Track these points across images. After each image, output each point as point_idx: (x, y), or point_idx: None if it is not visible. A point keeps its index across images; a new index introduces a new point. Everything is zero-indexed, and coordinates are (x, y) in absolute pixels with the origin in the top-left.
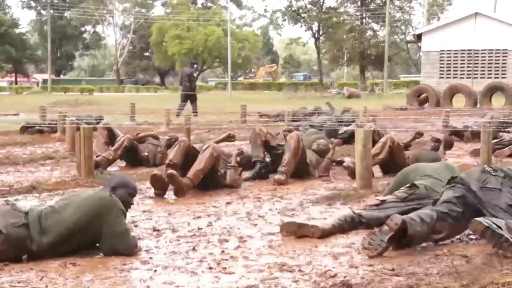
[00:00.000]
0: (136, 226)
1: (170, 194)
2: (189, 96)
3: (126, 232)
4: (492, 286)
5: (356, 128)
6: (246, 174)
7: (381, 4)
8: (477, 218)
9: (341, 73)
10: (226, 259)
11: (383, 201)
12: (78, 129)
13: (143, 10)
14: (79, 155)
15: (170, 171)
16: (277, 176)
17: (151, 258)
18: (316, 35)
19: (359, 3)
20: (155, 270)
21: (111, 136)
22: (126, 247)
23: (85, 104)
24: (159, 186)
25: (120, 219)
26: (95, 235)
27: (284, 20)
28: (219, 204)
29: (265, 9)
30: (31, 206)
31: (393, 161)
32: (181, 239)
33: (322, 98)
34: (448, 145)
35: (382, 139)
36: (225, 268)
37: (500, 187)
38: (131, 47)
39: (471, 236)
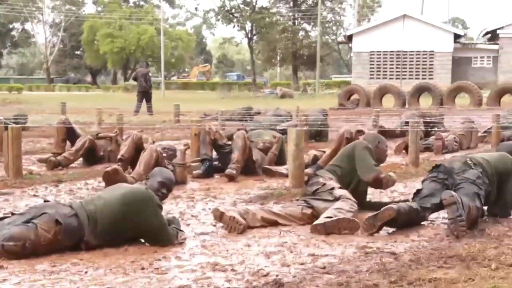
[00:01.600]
0: None
1: None
2: (145, 95)
3: (163, 225)
4: (419, 282)
5: (289, 128)
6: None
7: (312, 5)
8: (451, 191)
9: (274, 73)
10: (159, 259)
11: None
12: (6, 128)
13: (74, 8)
14: (7, 155)
15: (114, 166)
16: (228, 170)
17: (81, 259)
18: (249, 35)
19: (291, 4)
20: (86, 271)
21: (69, 134)
22: (166, 240)
23: (14, 103)
24: (111, 182)
25: (156, 212)
26: (134, 227)
27: (218, 20)
28: None
29: (196, 8)
30: (70, 200)
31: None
32: None
33: (255, 98)
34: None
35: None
36: (157, 268)
37: (474, 179)
38: (61, 45)
39: (399, 234)
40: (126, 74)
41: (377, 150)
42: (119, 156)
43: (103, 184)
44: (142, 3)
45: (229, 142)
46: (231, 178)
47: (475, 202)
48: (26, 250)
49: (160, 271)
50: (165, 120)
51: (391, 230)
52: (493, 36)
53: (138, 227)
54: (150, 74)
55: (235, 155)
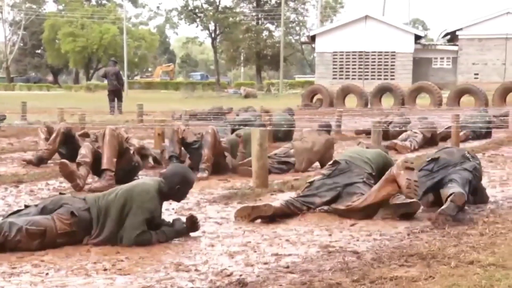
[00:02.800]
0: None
1: None
2: (117, 94)
3: (137, 226)
4: (381, 280)
5: (252, 128)
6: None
7: (276, 5)
8: (461, 191)
9: (238, 73)
10: (121, 260)
11: (311, 182)
12: None
13: (34, 6)
14: None
15: (62, 160)
16: (199, 175)
17: (42, 260)
18: (213, 35)
19: (254, 4)
20: (47, 273)
21: (51, 133)
22: (129, 240)
23: None
24: (68, 175)
25: (140, 211)
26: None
27: (180, 19)
28: None
29: (158, 7)
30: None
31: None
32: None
33: (219, 97)
34: None
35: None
36: (120, 269)
37: (471, 170)
38: (21, 44)
39: (362, 233)
40: (88, 73)
41: None
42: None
43: (64, 184)
44: (104, 1)
45: (198, 140)
46: (204, 180)
47: (465, 188)
48: (45, 236)
49: (123, 272)
50: (128, 120)
51: (353, 228)
52: (452, 37)
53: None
54: (120, 72)
55: (205, 153)
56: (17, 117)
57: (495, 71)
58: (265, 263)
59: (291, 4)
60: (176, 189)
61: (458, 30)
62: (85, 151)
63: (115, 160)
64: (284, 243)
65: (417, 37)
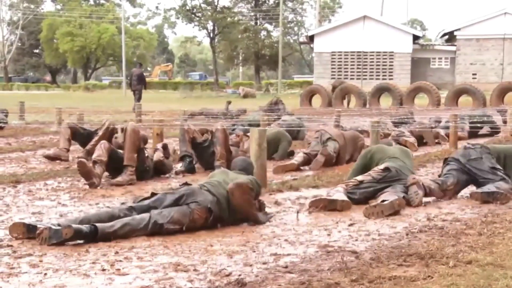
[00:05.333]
0: None
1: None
2: (136, 93)
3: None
4: (379, 280)
5: (251, 128)
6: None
7: (274, 5)
8: (477, 190)
9: (237, 73)
10: (120, 260)
11: (361, 182)
12: None
13: (32, 6)
14: None
15: (80, 159)
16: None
17: (41, 261)
18: (211, 35)
19: (253, 4)
20: (45, 274)
21: (74, 134)
22: (258, 221)
23: None
24: (85, 174)
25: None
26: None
27: (178, 18)
28: (114, 204)
29: (157, 7)
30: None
31: None
32: (73, 241)
33: (218, 97)
34: None
35: None
36: (118, 269)
37: (481, 156)
38: (19, 44)
39: (360, 232)
40: (86, 73)
41: None
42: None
43: (63, 184)
44: (102, 1)
45: (205, 139)
46: None
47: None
48: (182, 232)
49: (122, 272)
50: (127, 120)
51: (352, 228)
52: (450, 37)
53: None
54: (144, 74)
55: (218, 150)
56: (15, 116)
57: (492, 71)
58: (264, 263)
59: (289, 4)
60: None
61: (456, 30)
62: (101, 150)
63: (135, 155)
64: (283, 243)
65: (415, 37)
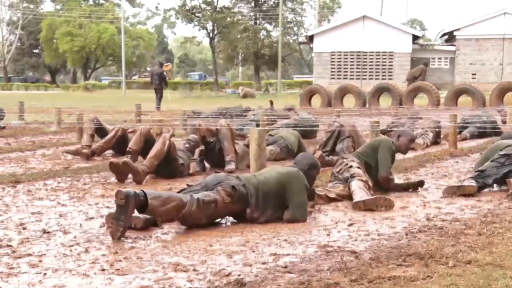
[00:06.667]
0: (24, 228)
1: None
2: (157, 92)
3: (304, 203)
4: (379, 280)
5: (251, 128)
6: None
7: (273, 5)
8: None
9: (236, 72)
10: (120, 260)
11: (483, 171)
12: None
13: (32, 6)
14: None
15: (124, 159)
16: (227, 167)
17: (40, 261)
18: (211, 35)
19: (252, 4)
20: (45, 274)
21: (98, 130)
22: (301, 216)
23: None
24: (118, 173)
25: (302, 191)
26: (282, 201)
27: (177, 18)
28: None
29: (156, 7)
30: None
31: None
32: (73, 241)
33: (217, 97)
34: None
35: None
36: (118, 269)
37: None
38: (19, 44)
39: (360, 232)
40: (86, 73)
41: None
42: (127, 149)
43: (62, 184)
44: (102, 1)
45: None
46: (232, 173)
47: None
48: (217, 206)
49: (121, 271)
50: (126, 120)
51: (351, 228)
52: (450, 37)
53: (284, 202)
54: (164, 74)
55: (227, 146)
56: (15, 116)
57: (492, 71)
58: (264, 263)
59: (289, 4)
60: (306, 169)
61: (455, 30)
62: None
63: (156, 163)
64: (283, 243)
65: (415, 37)
